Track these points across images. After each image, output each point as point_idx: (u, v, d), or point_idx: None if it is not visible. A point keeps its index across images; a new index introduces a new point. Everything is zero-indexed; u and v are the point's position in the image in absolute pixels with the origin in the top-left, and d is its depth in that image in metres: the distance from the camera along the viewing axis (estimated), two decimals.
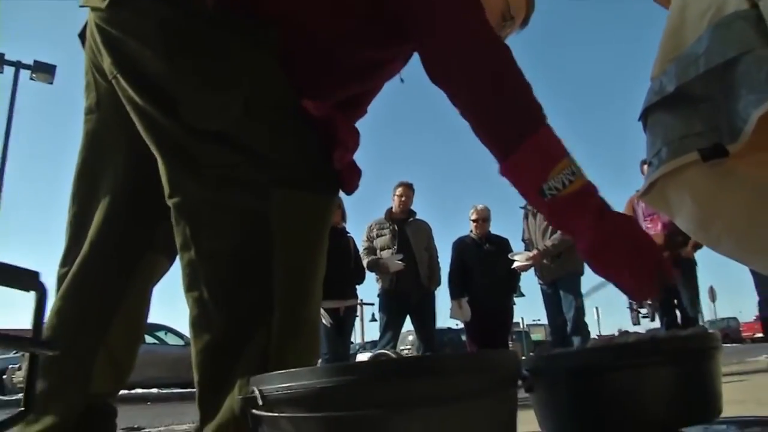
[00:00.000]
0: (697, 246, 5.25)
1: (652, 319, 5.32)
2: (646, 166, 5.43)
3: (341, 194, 1.41)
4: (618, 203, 5.90)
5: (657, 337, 1.23)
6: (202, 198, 1.22)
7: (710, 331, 1.27)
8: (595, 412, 1.21)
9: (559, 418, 1.29)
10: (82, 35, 1.46)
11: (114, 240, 1.43)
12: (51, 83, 13.56)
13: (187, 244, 1.23)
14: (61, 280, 1.45)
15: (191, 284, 1.23)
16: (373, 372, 0.78)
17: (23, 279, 0.71)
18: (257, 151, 1.23)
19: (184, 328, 14.21)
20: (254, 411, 0.84)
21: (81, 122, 1.51)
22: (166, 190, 1.25)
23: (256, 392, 0.84)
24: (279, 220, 1.22)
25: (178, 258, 1.27)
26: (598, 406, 1.20)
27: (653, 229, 5.45)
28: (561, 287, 5.23)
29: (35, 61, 13.25)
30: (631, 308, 5.41)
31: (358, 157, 1.47)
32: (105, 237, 1.43)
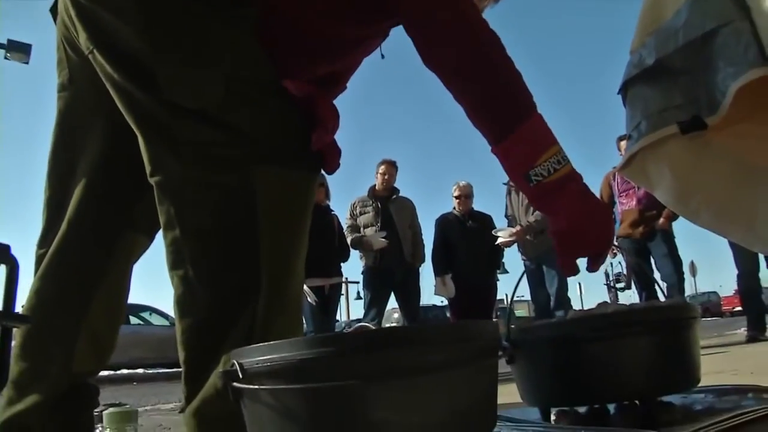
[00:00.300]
0: (671, 218, 5.32)
1: (628, 287, 5.41)
2: (622, 143, 5.48)
3: (325, 175, 1.41)
4: (594, 180, 5.95)
5: (635, 307, 1.25)
6: (185, 176, 1.21)
7: (688, 301, 1.29)
8: (576, 382, 1.23)
9: (539, 388, 1.31)
10: (53, 10, 1.43)
11: (92, 218, 1.41)
12: (27, 63, 13.19)
13: (171, 223, 1.22)
14: (39, 261, 1.43)
15: (176, 263, 1.22)
16: (352, 343, 0.78)
17: None
18: (238, 128, 1.22)
19: (169, 309, 14.16)
20: (235, 384, 0.84)
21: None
22: (148, 169, 1.23)
23: (236, 365, 0.84)
24: (262, 197, 1.21)
25: (161, 236, 1.26)
26: (579, 376, 1.22)
27: (628, 204, 5.50)
28: (544, 263, 5.27)
29: (9, 41, 12.88)
30: (609, 287, 5.50)
31: (342, 133, 1.47)
32: (83, 216, 1.41)
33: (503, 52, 1.31)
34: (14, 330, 1.13)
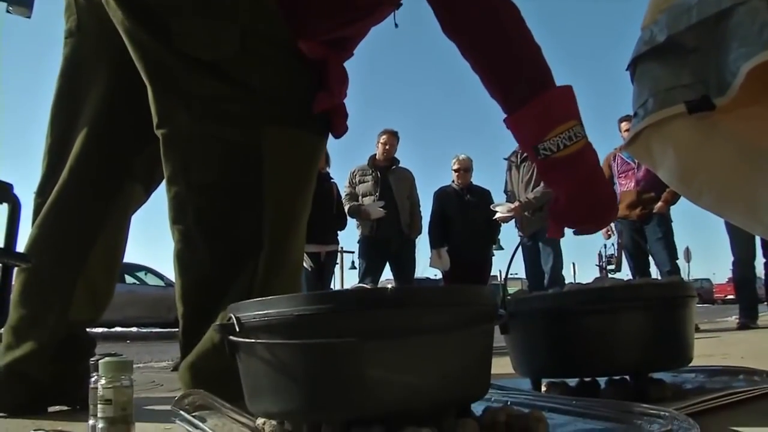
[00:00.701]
0: (670, 202, 5.31)
1: (618, 269, 5.42)
2: (623, 124, 5.41)
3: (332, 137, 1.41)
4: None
5: (632, 283, 1.25)
6: (193, 130, 1.20)
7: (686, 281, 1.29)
8: (570, 354, 1.23)
9: (533, 359, 1.32)
10: None
11: (94, 167, 1.41)
12: (29, 17, 12.94)
13: (175, 176, 1.21)
14: (37, 209, 1.43)
15: (177, 217, 1.21)
16: (349, 301, 0.78)
17: None
18: (251, 85, 1.21)
19: (165, 270, 14.20)
20: (231, 337, 0.85)
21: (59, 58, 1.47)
22: (155, 121, 1.22)
23: (234, 319, 0.84)
24: (269, 157, 1.21)
25: (159, 193, 1.26)
26: (573, 349, 1.22)
27: (626, 185, 5.50)
28: (541, 240, 5.28)
29: None
30: (600, 268, 5.51)
31: (346, 100, 1.45)
32: (84, 164, 1.40)
33: (523, 25, 1.31)
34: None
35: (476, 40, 1.31)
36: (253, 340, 0.82)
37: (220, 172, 1.20)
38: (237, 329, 0.83)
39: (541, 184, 5.01)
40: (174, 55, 1.18)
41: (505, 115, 1.32)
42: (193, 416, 0.92)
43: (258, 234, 1.19)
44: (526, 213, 5.24)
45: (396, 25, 1.52)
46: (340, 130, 1.37)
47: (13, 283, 1.19)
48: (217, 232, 1.19)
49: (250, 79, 1.21)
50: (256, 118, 1.20)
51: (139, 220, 1.55)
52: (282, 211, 1.22)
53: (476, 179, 5.70)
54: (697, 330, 4.76)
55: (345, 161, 6.48)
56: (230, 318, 0.85)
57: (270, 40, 1.23)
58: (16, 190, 0.96)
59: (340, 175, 5.60)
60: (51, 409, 1.46)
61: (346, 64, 1.56)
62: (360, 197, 5.27)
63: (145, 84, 1.22)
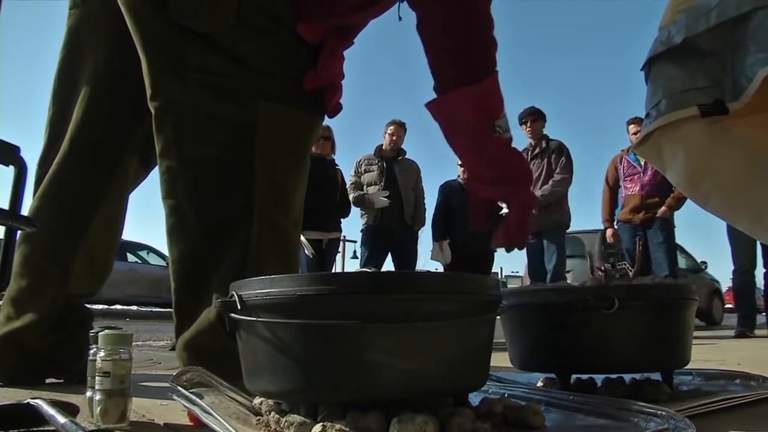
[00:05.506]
0: (673, 207, 5.31)
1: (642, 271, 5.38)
2: (632, 126, 5.38)
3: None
4: (601, 162, 5.90)
5: (636, 282, 1.25)
6: (186, 103, 1.19)
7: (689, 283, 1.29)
8: (569, 348, 1.23)
9: (530, 351, 1.31)
10: None
11: (94, 138, 1.40)
12: None
13: (168, 149, 1.20)
14: (39, 180, 1.43)
15: (169, 192, 1.21)
16: (352, 283, 0.78)
17: (2, 153, 0.69)
18: (246, 59, 1.20)
19: (166, 250, 14.20)
20: (232, 315, 0.85)
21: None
22: (149, 92, 1.21)
23: (235, 297, 0.84)
24: (264, 132, 1.20)
25: (157, 167, 1.25)
26: (573, 343, 1.22)
27: (632, 189, 5.49)
28: (545, 238, 5.27)
29: None
30: (600, 270, 5.48)
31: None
32: (85, 135, 1.40)
33: (488, 11, 1.32)
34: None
35: (446, 20, 1.32)
36: (254, 319, 0.82)
37: (212, 146, 1.19)
38: (238, 307, 0.83)
39: (550, 182, 5.01)
40: (169, 25, 1.17)
41: (461, 84, 1.29)
42: (190, 392, 0.92)
43: (248, 208, 1.18)
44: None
45: (400, 18, 1.50)
46: (330, 105, 1.35)
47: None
48: (207, 205, 1.19)
49: (245, 53, 1.19)
50: (251, 93, 1.19)
51: (142, 200, 1.55)
52: (273, 186, 1.21)
53: None
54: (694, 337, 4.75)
55: (351, 150, 6.47)
56: (232, 295, 0.85)
57: (268, 15, 1.22)
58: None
59: (346, 163, 5.58)
60: (48, 381, 1.46)
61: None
62: (365, 186, 5.26)
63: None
